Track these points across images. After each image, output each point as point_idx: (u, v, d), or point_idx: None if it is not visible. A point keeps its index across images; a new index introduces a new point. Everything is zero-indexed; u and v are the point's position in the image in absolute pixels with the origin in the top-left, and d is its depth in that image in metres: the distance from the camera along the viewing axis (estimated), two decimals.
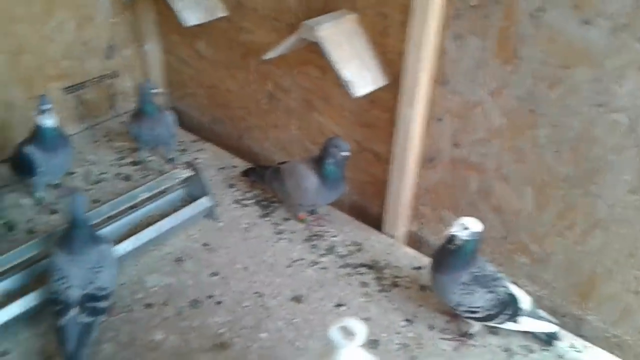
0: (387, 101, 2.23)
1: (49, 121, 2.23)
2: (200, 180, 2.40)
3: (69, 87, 2.88)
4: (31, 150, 2.24)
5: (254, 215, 2.51)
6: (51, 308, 1.82)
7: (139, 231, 2.19)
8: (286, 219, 2.49)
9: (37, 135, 2.26)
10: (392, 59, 2.15)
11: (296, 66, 2.51)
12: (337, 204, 2.52)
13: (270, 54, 2.31)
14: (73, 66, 2.86)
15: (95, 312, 1.76)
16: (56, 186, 2.55)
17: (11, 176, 2.45)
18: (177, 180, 2.38)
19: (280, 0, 2.42)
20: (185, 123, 3.03)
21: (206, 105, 3.10)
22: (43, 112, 2.21)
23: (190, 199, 2.44)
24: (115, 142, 2.98)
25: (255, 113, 2.85)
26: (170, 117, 2.60)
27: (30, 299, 1.88)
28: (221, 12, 2.65)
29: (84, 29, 2.82)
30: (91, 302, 1.75)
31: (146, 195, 2.28)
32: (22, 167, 2.31)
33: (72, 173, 2.69)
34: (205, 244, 2.33)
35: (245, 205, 2.57)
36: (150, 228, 2.21)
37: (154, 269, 2.19)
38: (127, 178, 2.71)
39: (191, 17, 2.53)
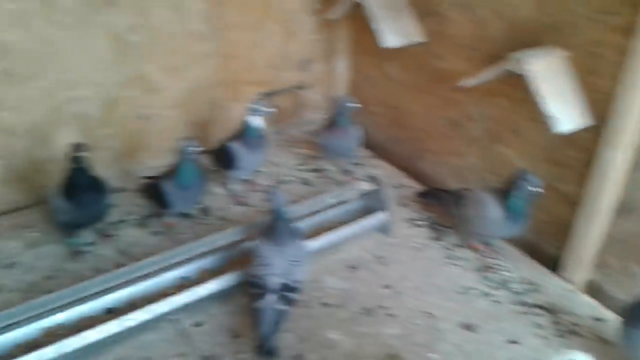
0: (586, 141, 2.16)
1: (257, 122, 2.43)
2: (381, 195, 2.48)
3: (264, 93, 3.11)
4: (236, 147, 2.45)
5: (425, 236, 2.53)
6: (246, 290, 1.98)
7: (320, 234, 2.31)
8: (458, 245, 2.49)
9: (244, 133, 2.47)
10: (599, 98, 2.09)
11: (486, 96, 2.52)
12: (510, 239, 2.47)
13: (470, 82, 2.34)
14: (271, 74, 3.09)
15: (289, 301, 1.88)
16: (246, 181, 2.76)
17: (211, 167, 2.69)
18: (359, 191, 2.47)
19: (483, 29, 2.44)
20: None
21: (385, 124, 3.19)
22: (255, 113, 2.41)
23: (367, 211, 2.52)
24: (297, 149, 3.16)
25: (435, 137, 2.89)
26: (358, 132, 2.72)
27: (226, 279, 2.05)
28: (419, 38, 2.73)
29: (287, 41, 3.05)
30: (288, 291, 1.87)
31: (331, 201, 2.39)
32: (225, 160, 2.54)
33: (259, 171, 2.89)
34: (377, 256, 2.39)
35: (417, 226, 2.60)
36: (332, 233, 2.33)
37: (330, 272, 2.29)
38: (307, 183, 2.86)
39: (391, 39, 2.64)
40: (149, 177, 2.50)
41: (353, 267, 2.32)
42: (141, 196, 2.59)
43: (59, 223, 2.17)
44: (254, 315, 1.89)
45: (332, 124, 2.72)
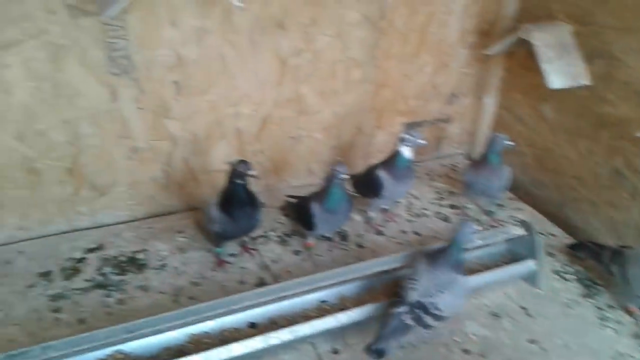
0: None
1: (408, 153, 2.39)
2: (532, 242, 2.33)
3: (408, 123, 3.08)
4: (384, 175, 2.42)
5: (575, 292, 2.35)
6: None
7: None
8: (611, 307, 2.28)
9: (393, 163, 2.43)
10: None
11: None
12: None
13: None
14: (418, 105, 3.05)
15: (419, 321, 1.87)
16: (384, 210, 2.72)
17: (353, 192, 2.68)
18: (507, 235, 2.34)
19: None
20: None
21: (531, 166, 3.04)
22: (407, 143, 2.37)
23: (514, 257, 2.39)
24: (435, 182, 3.09)
25: (591, 186, 2.69)
26: (507, 172, 2.60)
27: (367, 309, 2.02)
28: (585, 81, 2.57)
29: (438, 74, 3.00)
30: (420, 310, 1.87)
31: (479, 243, 2.28)
32: (370, 188, 2.51)
33: (397, 202, 2.84)
34: (522, 307, 2.25)
35: (566, 280, 2.43)
36: (477, 276, 2.21)
37: (471, 316, 2.17)
38: (445, 219, 2.77)
39: (557, 80, 2.51)
40: (295, 197, 2.53)
41: (495, 315, 2.20)
42: (285, 214, 2.63)
43: (211, 232, 2.25)
44: (383, 317, 1.92)
45: (481, 161, 2.62)
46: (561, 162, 2.86)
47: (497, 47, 2.85)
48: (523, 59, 2.96)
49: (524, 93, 3.01)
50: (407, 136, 2.36)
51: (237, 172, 2.08)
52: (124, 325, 1.75)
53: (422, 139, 2.36)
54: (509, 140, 2.53)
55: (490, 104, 3.20)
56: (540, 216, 2.88)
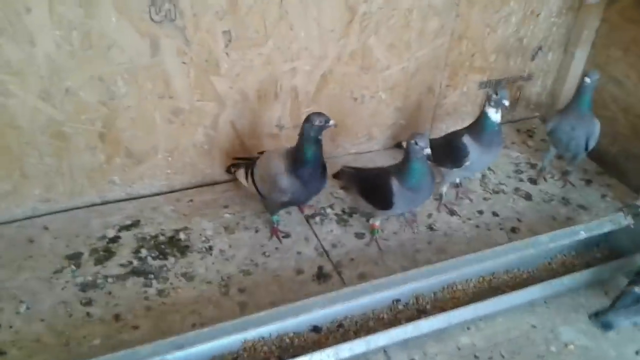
0: None
1: (495, 115, 2.03)
2: (637, 234, 1.96)
3: (484, 82, 2.66)
4: (469, 141, 2.07)
5: None
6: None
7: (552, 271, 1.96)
8: None
9: (479, 126, 2.08)
10: None
11: None
12: None
13: None
14: (498, 61, 2.63)
15: None
16: (457, 185, 2.36)
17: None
18: (614, 225, 1.98)
19: None
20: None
21: (623, 135, 2.62)
22: (495, 105, 2.01)
23: (609, 247, 2.05)
24: (511, 151, 2.71)
25: None
26: (596, 126, 2.27)
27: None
28: None
29: (525, 23, 2.56)
30: None
31: (584, 235, 1.92)
32: (450, 155, 2.14)
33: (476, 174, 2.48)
34: None
35: None
36: (574, 275, 1.88)
37: (567, 321, 1.85)
38: (528, 197, 2.41)
39: None
40: (354, 168, 2.16)
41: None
42: (343, 187, 2.27)
43: (274, 201, 1.93)
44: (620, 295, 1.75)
45: (569, 106, 2.31)
46: None
47: None
48: (627, 9, 2.50)
49: (625, 49, 2.55)
50: (496, 96, 2.00)
51: (315, 127, 1.77)
52: (172, 339, 1.45)
53: (506, 99, 2.00)
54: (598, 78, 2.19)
55: (580, 59, 2.75)
56: (633, 194, 2.49)
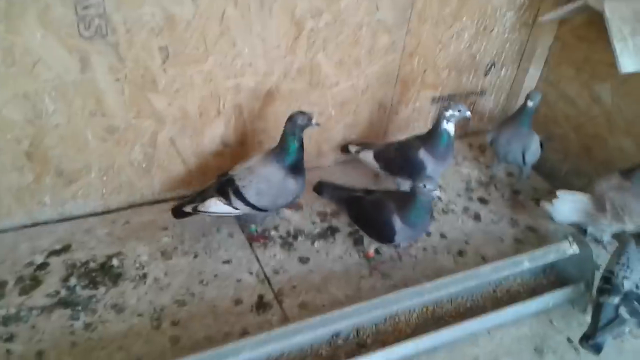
0: None
1: (452, 129, 2.08)
2: (584, 262, 1.95)
3: (436, 97, 2.63)
4: (426, 156, 2.10)
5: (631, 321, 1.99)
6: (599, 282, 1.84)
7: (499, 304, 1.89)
8: None
9: (434, 139, 2.10)
10: None
11: None
12: None
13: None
14: (451, 77, 2.60)
15: (634, 313, 1.72)
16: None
17: (380, 171, 2.31)
18: (559, 255, 1.95)
19: None
20: (540, 165, 2.60)
21: (574, 153, 2.62)
22: (450, 118, 2.05)
23: (556, 274, 2.03)
24: (462, 168, 2.68)
25: None
26: (535, 141, 2.34)
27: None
28: None
29: (478, 39, 2.52)
30: (637, 302, 1.72)
31: (527, 265, 1.89)
32: (405, 168, 2.17)
33: None
34: (570, 340, 1.89)
35: None
36: (519, 305, 1.85)
37: (510, 352, 1.82)
38: (476, 217, 2.38)
39: (630, 63, 2.06)
40: (351, 192, 2.08)
41: (539, 351, 1.86)
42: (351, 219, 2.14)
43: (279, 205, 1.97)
44: (595, 308, 1.77)
45: (508, 120, 2.39)
46: (614, 154, 2.44)
47: (554, 14, 2.36)
48: (580, 27, 2.49)
49: (577, 68, 2.55)
50: (452, 111, 2.03)
51: (298, 125, 1.84)
52: None
53: (467, 111, 2.07)
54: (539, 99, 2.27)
55: (533, 76, 2.74)
56: None
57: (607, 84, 2.42)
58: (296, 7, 1.98)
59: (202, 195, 1.92)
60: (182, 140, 2.09)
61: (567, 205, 2.16)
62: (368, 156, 2.28)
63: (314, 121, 1.87)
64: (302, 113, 1.85)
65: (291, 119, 1.85)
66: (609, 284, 1.77)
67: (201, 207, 1.90)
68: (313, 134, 2.36)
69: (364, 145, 2.35)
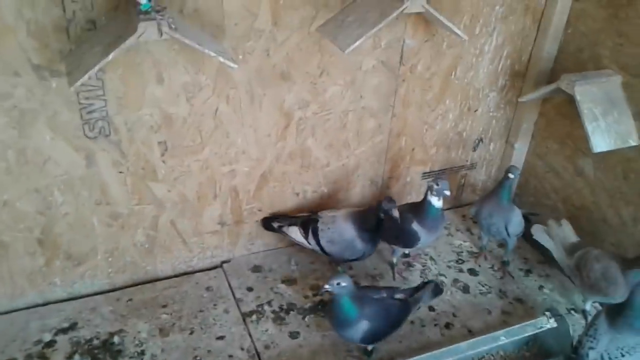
0: None
1: (437, 202, 2.21)
2: (561, 336, 2.02)
3: (427, 172, 2.76)
4: (418, 227, 2.25)
5: None
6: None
7: None
8: None
9: (423, 212, 2.24)
10: None
11: None
12: None
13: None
14: (439, 153, 2.73)
15: None
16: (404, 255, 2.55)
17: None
18: (539, 329, 2.03)
19: None
20: (530, 236, 2.68)
21: None
22: (437, 194, 2.19)
23: (539, 348, 2.10)
24: (454, 239, 2.77)
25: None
26: (516, 215, 2.42)
27: None
28: (634, 141, 2.23)
29: (463, 119, 2.67)
30: None
31: (504, 340, 1.97)
32: (401, 239, 2.33)
33: (411, 266, 2.55)
34: None
35: None
36: None
37: None
38: (465, 289, 2.47)
39: (601, 142, 2.17)
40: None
41: None
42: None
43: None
44: None
45: (490, 194, 2.48)
46: (599, 226, 2.52)
47: (532, 95, 2.50)
48: (562, 105, 2.62)
49: (561, 143, 2.66)
50: (437, 187, 2.18)
51: (382, 208, 2.14)
52: None
53: (447, 190, 2.19)
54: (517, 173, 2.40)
55: (521, 150, 2.86)
56: (571, 285, 2.55)
57: (589, 159, 2.53)
58: (284, 101, 2.17)
59: (291, 221, 2.33)
60: (182, 221, 2.26)
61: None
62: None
63: (394, 213, 2.11)
64: (391, 201, 2.13)
65: (382, 200, 2.13)
66: (575, 353, 1.85)
67: (284, 229, 2.32)
68: (306, 210, 2.51)
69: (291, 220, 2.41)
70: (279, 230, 2.35)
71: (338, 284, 1.83)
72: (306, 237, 2.27)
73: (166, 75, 1.92)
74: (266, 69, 2.08)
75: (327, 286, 1.82)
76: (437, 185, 2.18)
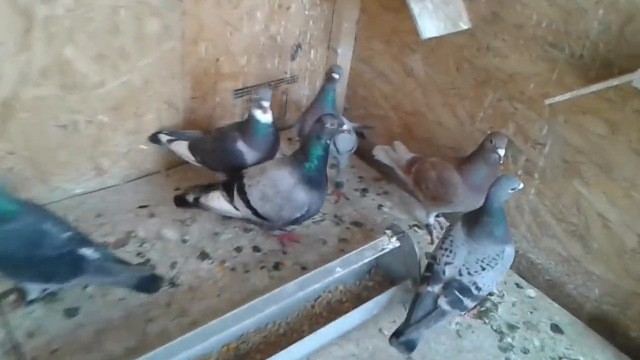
0: None
1: (264, 116, 1.83)
2: (407, 256, 1.69)
3: (240, 90, 2.28)
4: (244, 147, 1.85)
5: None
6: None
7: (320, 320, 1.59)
8: (512, 326, 1.74)
9: (249, 130, 1.85)
10: None
11: (565, 112, 1.75)
12: (576, 311, 1.78)
13: (559, 98, 1.57)
14: (251, 64, 2.25)
15: (455, 303, 1.49)
16: None
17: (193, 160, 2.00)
18: (380, 251, 1.67)
19: (570, 18, 1.66)
20: (364, 153, 2.35)
21: (397, 134, 2.40)
22: (259, 106, 1.81)
23: (383, 275, 1.76)
24: None
25: None
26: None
27: None
28: (465, 24, 1.93)
29: (275, 19, 2.20)
30: (458, 291, 1.49)
31: (341, 272, 1.58)
32: (224, 161, 1.91)
33: None
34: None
35: None
36: (344, 318, 1.54)
37: None
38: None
39: (430, 27, 1.84)
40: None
41: None
42: None
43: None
44: (414, 298, 1.53)
45: (312, 107, 2.07)
46: (435, 129, 2.25)
47: None
48: None
49: (387, 42, 2.32)
50: (258, 97, 1.80)
51: (326, 129, 1.63)
52: None
53: (268, 100, 1.80)
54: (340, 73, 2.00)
55: (345, 55, 2.48)
56: (412, 199, 2.26)
57: (417, 55, 2.21)
58: None
59: (209, 188, 1.81)
60: None
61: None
62: (181, 147, 1.95)
63: (345, 127, 1.65)
64: (332, 116, 1.65)
65: (319, 120, 1.65)
66: (430, 271, 1.54)
67: (203, 199, 1.80)
68: (83, 148, 1.91)
69: (178, 134, 2.00)
70: (195, 205, 1.82)
71: None
72: (231, 201, 1.75)
73: None
74: None
75: None
76: (257, 95, 1.79)
